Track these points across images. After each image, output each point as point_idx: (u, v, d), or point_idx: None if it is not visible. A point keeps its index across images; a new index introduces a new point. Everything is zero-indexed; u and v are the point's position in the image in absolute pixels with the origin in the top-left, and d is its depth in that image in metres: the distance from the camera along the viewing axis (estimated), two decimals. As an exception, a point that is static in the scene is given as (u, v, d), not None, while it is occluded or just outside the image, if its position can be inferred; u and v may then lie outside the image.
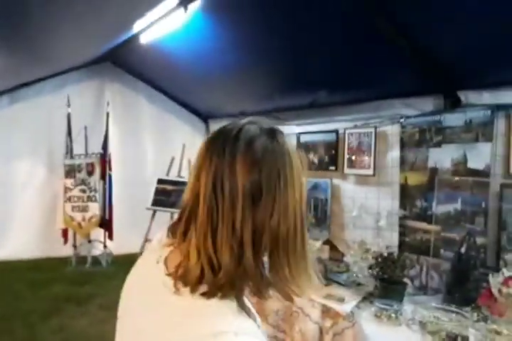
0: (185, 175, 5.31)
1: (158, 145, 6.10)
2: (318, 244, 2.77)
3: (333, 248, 2.78)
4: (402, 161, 3.33)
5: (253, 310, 0.69)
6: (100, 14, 3.40)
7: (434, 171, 3.01)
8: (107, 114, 5.27)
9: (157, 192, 5.12)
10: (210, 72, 4.73)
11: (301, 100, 4.30)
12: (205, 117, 6.45)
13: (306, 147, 4.57)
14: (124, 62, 5.59)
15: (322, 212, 4.26)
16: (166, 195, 5.08)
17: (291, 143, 0.71)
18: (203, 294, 0.59)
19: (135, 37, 4.54)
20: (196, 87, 5.43)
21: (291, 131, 4.84)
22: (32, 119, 5.08)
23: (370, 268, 2.19)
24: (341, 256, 2.70)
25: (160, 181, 5.17)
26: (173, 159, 5.29)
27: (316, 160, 4.42)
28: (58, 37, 3.69)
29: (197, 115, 6.44)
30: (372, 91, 3.61)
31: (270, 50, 3.85)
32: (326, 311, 1.95)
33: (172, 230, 0.71)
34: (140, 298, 0.68)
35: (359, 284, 2.64)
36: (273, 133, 0.68)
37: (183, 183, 5.11)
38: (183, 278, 0.61)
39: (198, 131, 6.48)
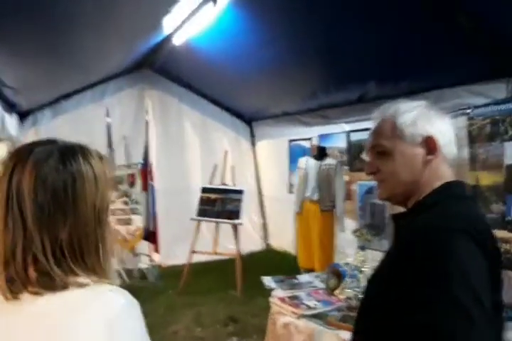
0: (230, 183, 5.03)
1: (201, 152, 5.87)
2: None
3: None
4: (472, 159, 2.85)
5: None
6: (126, 14, 3.20)
7: (511, 169, 2.53)
8: (146, 123, 5.10)
9: (202, 201, 4.86)
10: (249, 72, 4.43)
11: (348, 95, 3.87)
12: (248, 120, 6.18)
13: (357, 146, 4.14)
14: (162, 67, 5.42)
15: (379, 219, 3.81)
16: (210, 204, 4.81)
17: (92, 158, 0.73)
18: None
19: (168, 39, 4.33)
20: (236, 88, 5.15)
21: (341, 129, 4.44)
22: (73, 131, 4.97)
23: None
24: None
25: (204, 190, 4.92)
26: (216, 166, 5.03)
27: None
28: (92, 44, 3.54)
29: (240, 118, 6.17)
30: (430, 79, 3.15)
31: (310, 43, 3.48)
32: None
33: None
34: None
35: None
36: (67, 153, 0.71)
37: (227, 191, 4.83)
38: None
39: (243, 135, 6.22)
